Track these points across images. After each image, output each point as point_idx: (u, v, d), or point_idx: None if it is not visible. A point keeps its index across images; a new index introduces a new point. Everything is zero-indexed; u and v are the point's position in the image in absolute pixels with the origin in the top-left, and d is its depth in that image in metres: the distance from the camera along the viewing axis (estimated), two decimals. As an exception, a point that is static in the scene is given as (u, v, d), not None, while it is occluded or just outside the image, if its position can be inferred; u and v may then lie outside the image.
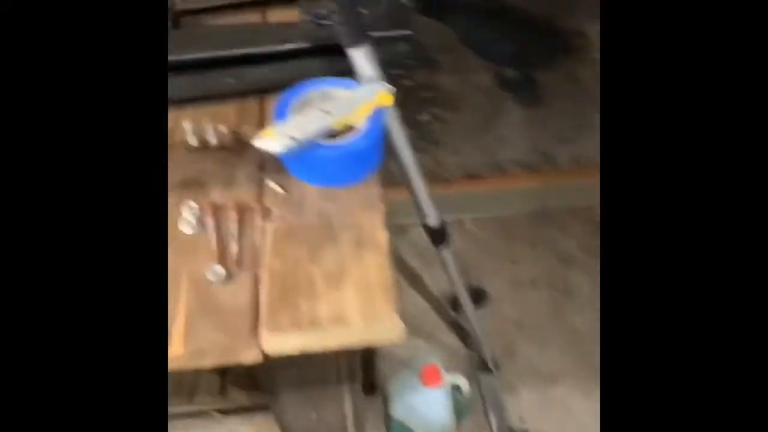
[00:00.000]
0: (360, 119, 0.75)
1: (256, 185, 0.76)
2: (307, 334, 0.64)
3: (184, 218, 0.71)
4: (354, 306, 0.66)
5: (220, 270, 0.67)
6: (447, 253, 1.15)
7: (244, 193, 0.76)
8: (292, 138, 0.69)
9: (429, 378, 1.36)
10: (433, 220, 1.06)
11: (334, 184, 0.76)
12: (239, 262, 0.69)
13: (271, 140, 0.69)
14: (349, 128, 0.75)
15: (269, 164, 0.77)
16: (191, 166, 0.78)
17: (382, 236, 0.71)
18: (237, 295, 0.67)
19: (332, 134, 0.74)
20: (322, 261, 0.70)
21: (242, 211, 0.73)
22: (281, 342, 0.64)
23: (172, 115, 0.79)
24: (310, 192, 0.75)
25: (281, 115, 0.76)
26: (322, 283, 0.68)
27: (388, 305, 0.66)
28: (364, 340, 0.67)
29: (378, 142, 0.76)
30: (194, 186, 0.76)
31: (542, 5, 2.28)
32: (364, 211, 0.74)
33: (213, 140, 0.79)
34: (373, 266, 0.69)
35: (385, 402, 1.41)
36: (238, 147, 0.80)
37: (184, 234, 0.71)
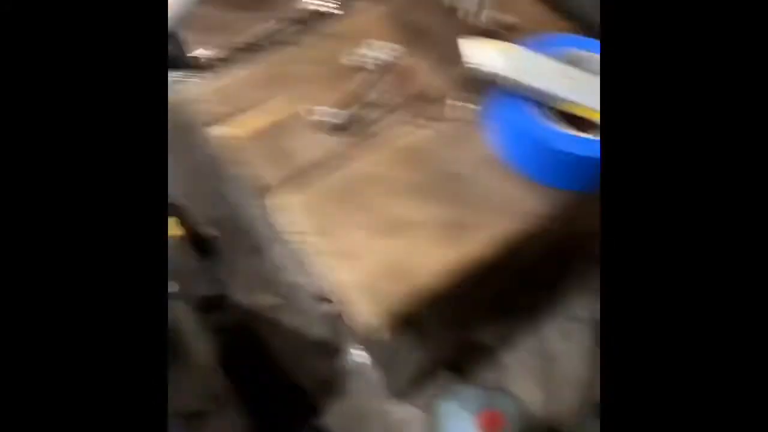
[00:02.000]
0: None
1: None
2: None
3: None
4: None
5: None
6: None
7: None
8: (515, 67, 0.51)
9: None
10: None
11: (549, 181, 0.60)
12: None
13: (493, 54, 0.53)
14: (582, 121, 0.58)
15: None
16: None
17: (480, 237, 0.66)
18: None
19: (558, 116, 0.56)
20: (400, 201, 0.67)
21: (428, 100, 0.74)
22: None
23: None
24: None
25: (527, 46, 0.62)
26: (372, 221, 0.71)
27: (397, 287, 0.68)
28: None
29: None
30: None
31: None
32: (498, 210, 0.68)
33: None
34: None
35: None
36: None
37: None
